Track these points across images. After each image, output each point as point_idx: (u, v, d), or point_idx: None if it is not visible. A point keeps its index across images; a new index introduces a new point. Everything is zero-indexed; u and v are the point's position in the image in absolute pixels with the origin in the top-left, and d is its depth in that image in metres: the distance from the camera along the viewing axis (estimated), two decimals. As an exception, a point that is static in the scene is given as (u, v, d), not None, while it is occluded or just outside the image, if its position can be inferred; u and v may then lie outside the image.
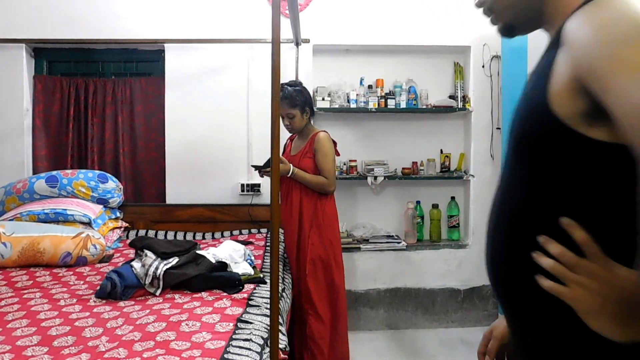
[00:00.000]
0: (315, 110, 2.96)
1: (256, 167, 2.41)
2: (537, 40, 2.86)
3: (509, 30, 0.81)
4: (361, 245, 3.21)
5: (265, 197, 3.15)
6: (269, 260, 2.24)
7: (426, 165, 3.33)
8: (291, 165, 2.40)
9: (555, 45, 0.66)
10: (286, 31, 2.74)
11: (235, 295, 1.87)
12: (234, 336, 1.49)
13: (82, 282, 2.08)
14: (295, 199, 2.46)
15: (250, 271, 2.09)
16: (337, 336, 2.45)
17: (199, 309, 1.70)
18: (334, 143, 2.52)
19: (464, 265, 3.30)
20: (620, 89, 0.53)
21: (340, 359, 2.47)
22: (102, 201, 2.86)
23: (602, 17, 0.58)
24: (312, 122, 2.63)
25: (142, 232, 3.00)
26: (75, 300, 1.82)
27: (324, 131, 2.51)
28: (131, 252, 2.52)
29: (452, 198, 3.37)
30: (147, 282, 1.86)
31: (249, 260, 2.21)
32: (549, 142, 0.63)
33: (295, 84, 2.53)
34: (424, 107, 3.27)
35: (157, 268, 1.89)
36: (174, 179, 3.18)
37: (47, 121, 3.19)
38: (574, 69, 0.60)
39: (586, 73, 0.58)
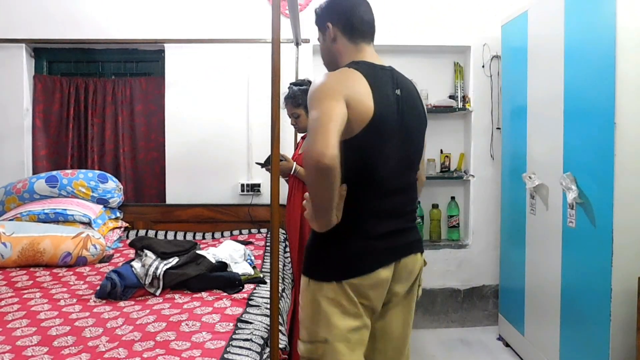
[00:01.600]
0: None
1: (259, 164, 2.43)
2: (537, 40, 2.82)
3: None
4: (361, 245, 3.20)
5: (265, 197, 3.15)
6: (269, 260, 2.24)
7: (426, 165, 3.32)
8: (294, 163, 2.40)
9: None
10: (286, 31, 2.74)
11: (235, 295, 1.87)
12: (234, 336, 1.49)
13: (82, 282, 2.08)
14: (297, 197, 2.46)
15: (250, 271, 2.09)
16: None
17: (199, 309, 1.70)
18: None
19: (464, 265, 3.30)
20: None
21: None
22: (102, 201, 2.86)
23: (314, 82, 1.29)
24: None
25: (142, 232, 3.01)
26: (75, 300, 1.82)
27: None
28: (131, 252, 2.51)
29: (452, 198, 3.37)
30: (147, 282, 1.86)
31: (249, 260, 2.21)
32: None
33: (302, 83, 2.51)
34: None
35: (157, 268, 1.89)
36: (174, 179, 3.18)
37: (47, 121, 3.19)
38: None
39: None
